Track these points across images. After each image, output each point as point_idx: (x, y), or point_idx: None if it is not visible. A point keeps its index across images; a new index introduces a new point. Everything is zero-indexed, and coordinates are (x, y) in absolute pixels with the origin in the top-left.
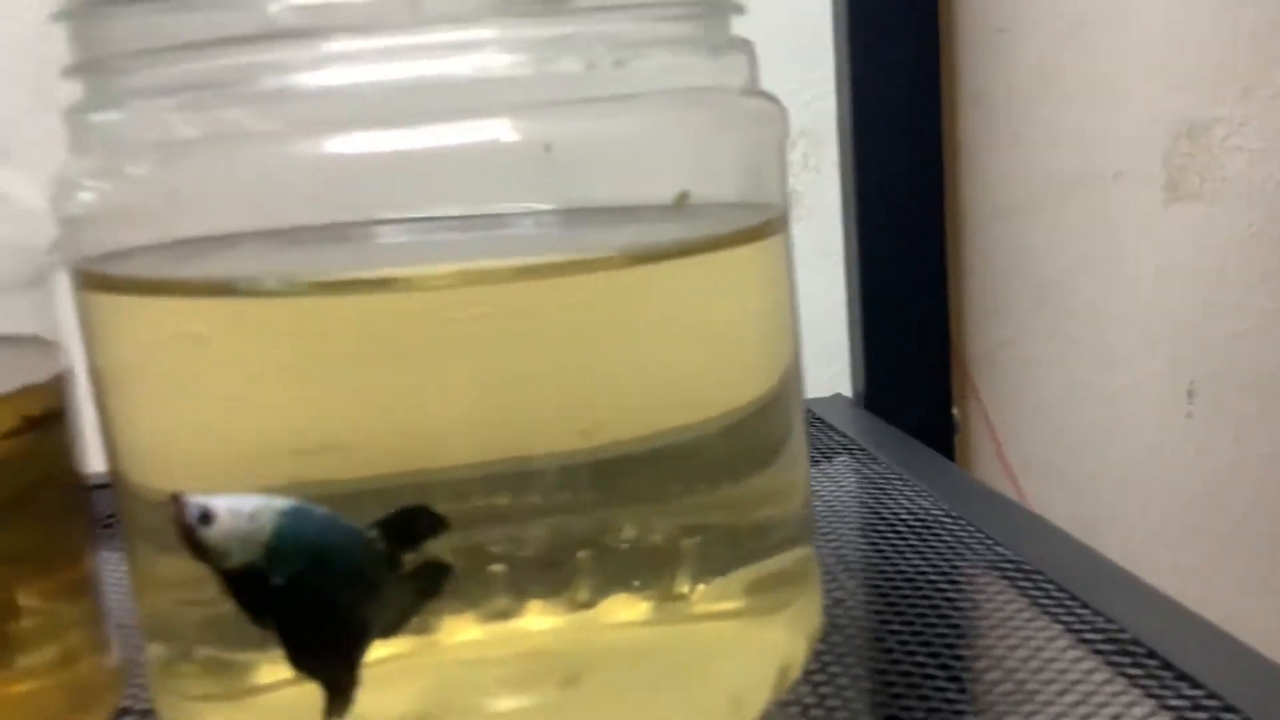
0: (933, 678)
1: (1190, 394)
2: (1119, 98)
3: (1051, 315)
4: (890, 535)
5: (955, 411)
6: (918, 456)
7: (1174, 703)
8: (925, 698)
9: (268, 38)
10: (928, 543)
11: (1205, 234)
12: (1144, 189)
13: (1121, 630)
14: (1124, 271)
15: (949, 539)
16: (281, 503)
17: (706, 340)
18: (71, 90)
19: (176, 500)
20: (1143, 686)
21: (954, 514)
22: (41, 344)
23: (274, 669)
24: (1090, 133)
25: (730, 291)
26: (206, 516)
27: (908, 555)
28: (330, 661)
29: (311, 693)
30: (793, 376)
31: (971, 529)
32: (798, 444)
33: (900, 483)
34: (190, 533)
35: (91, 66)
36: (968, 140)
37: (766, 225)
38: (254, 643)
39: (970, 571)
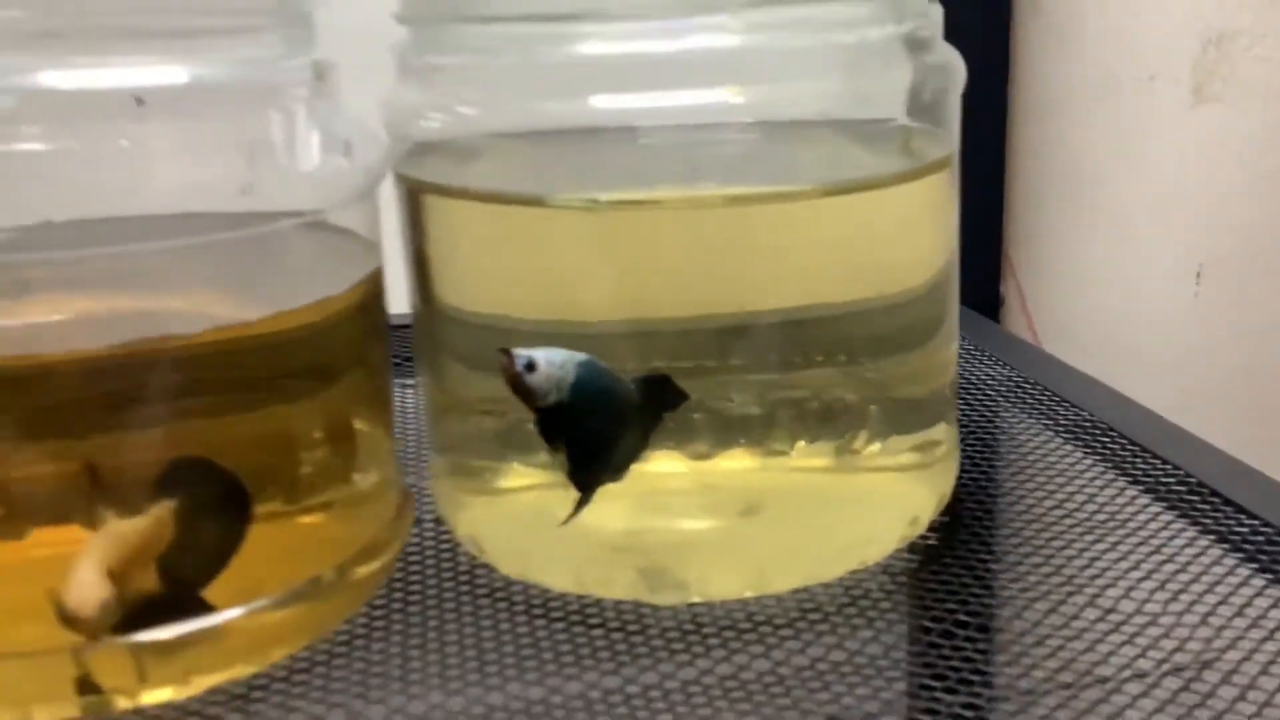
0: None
1: (1198, 276)
2: (1155, 7)
3: (1081, 204)
4: (968, 393)
5: (1001, 288)
6: (983, 326)
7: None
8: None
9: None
10: (998, 399)
11: (1225, 135)
12: (1172, 91)
13: (1179, 470)
14: (1149, 167)
15: (1015, 396)
16: (579, 355)
17: (889, 244)
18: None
19: (506, 353)
20: (1194, 518)
21: (1020, 372)
22: (364, 240)
23: (527, 476)
24: (1128, 39)
25: (912, 217)
26: (531, 365)
27: (987, 411)
28: (593, 476)
29: (546, 498)
30: (949, 279)
31: (1039, 387)
32: (951, 329)
33: (969, 348)
34: (518, 378)
35: (418, 19)
36: (1023, 42)
37: (946, 159)
38: (517, 453)
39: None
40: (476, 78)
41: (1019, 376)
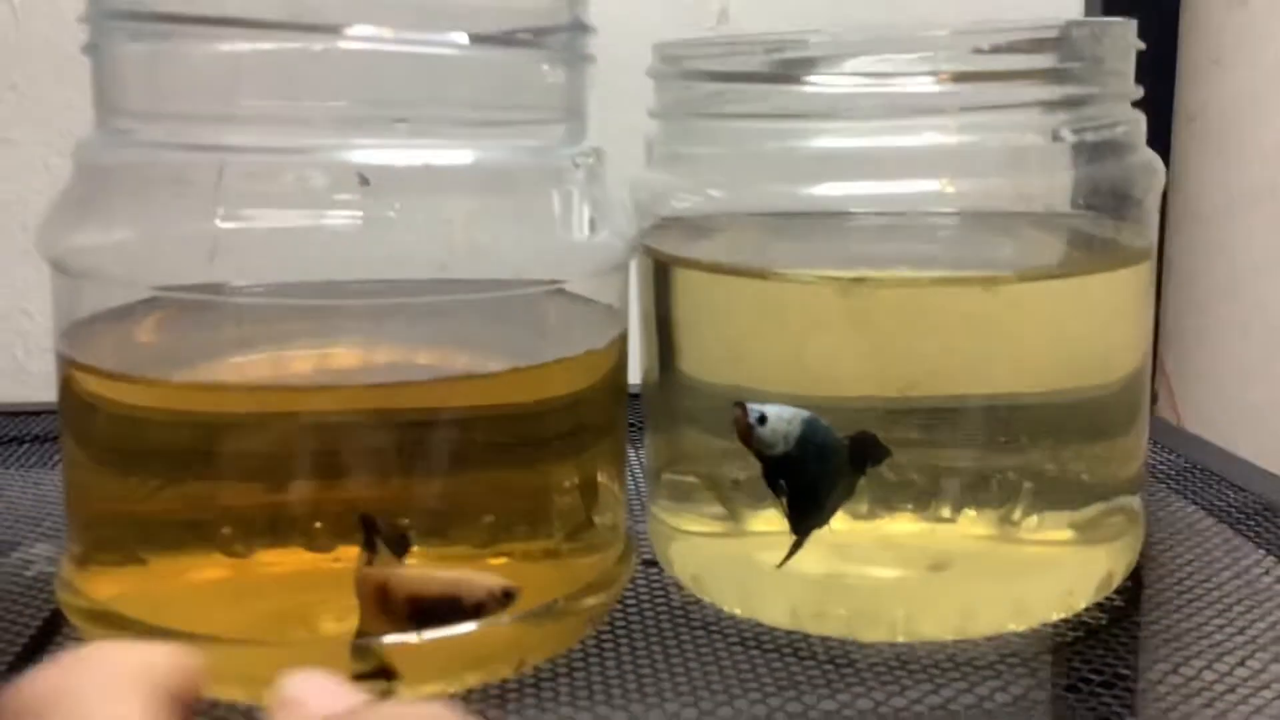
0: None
1: None
2: None
3: (1233, 309)
4: None
5: (1155, 385)
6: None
7: None
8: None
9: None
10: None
11: None
12: None
13: None
14: None
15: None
16: (804, 413)
17: (1089, 344)
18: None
19: (740, 406)
20: None
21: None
22: (612, 310)
23: (736, 524)
24: None
25: (1103, 304)
26: (763, 419)
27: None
28: (808, 522)
29: (747, 545)
30: (1144, 371)
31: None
32: (1143, 421)
33: None
34: (749, 430)
35: (672, 114)
36: (1181, 153)
37: (1147, 250)
38: (732, 502)
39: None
40: (720, 165)
41: (1181, 461)
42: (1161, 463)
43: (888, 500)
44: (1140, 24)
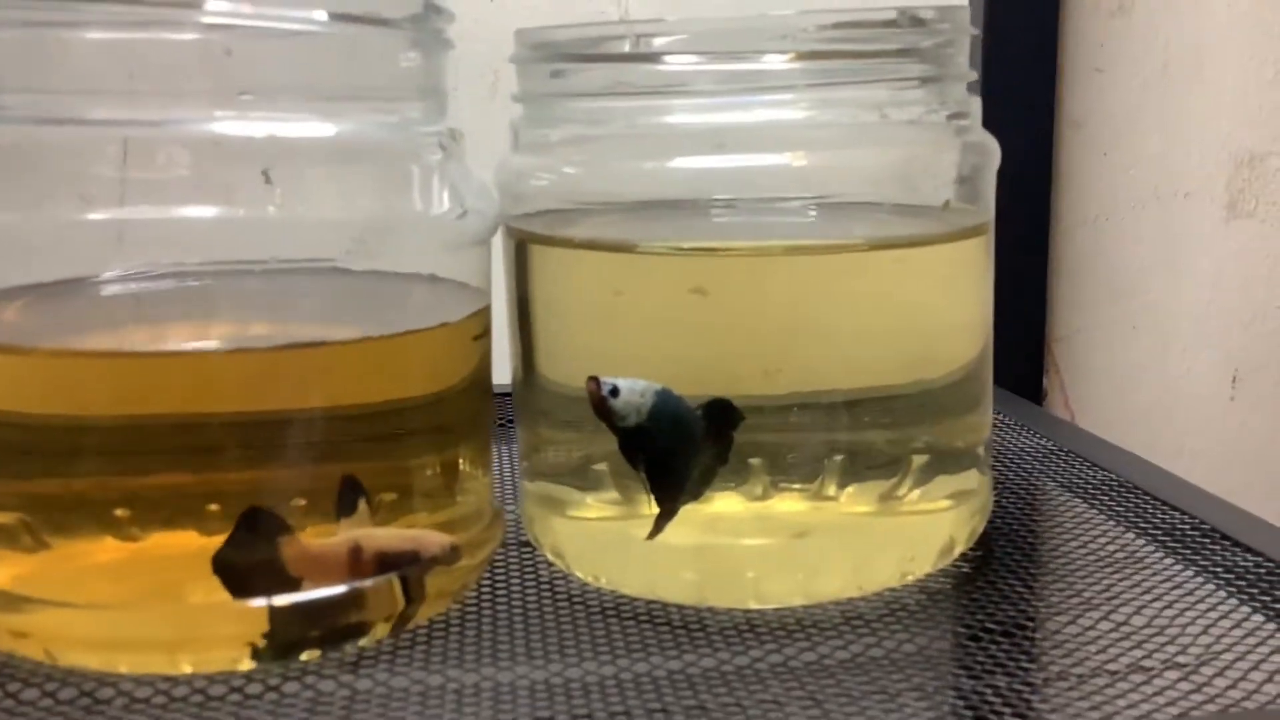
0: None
1: (1234, 380)
2: (1192, 130)
3: (1122, 309)
4: (1012, 461)
5: (1045, 382)
6: (1024, 407)
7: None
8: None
9: (644, 92)
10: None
11: (1258, 248)
12: (1208, 207)
13: (1193, 517)
14: (1186, 276)
15: (1058, 463)
16: (656, 385)
17: (933, 314)
18: (513, 108)
19: (594, 380)
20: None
21: (1059, 446)
22: (472, 289)
23: (600, 507)
24: (1166, 158)
25: (950, 276)
26: (615, 391)
27: (1024, 475)
28: (670, 494)
29: (618, 525)
30: (987, 348)
31: (1078, 458)
32: (987, 397)
33: (1010, 423)
34: (602, 402)
35: (533, 97)
36: (1066, 160)
37: (984, 226)
38: (593, 485)
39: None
40: (580, 145)
41: (1055, 447)
42: (1033, 447)
43: (776, 482)
44: (1022, 32)
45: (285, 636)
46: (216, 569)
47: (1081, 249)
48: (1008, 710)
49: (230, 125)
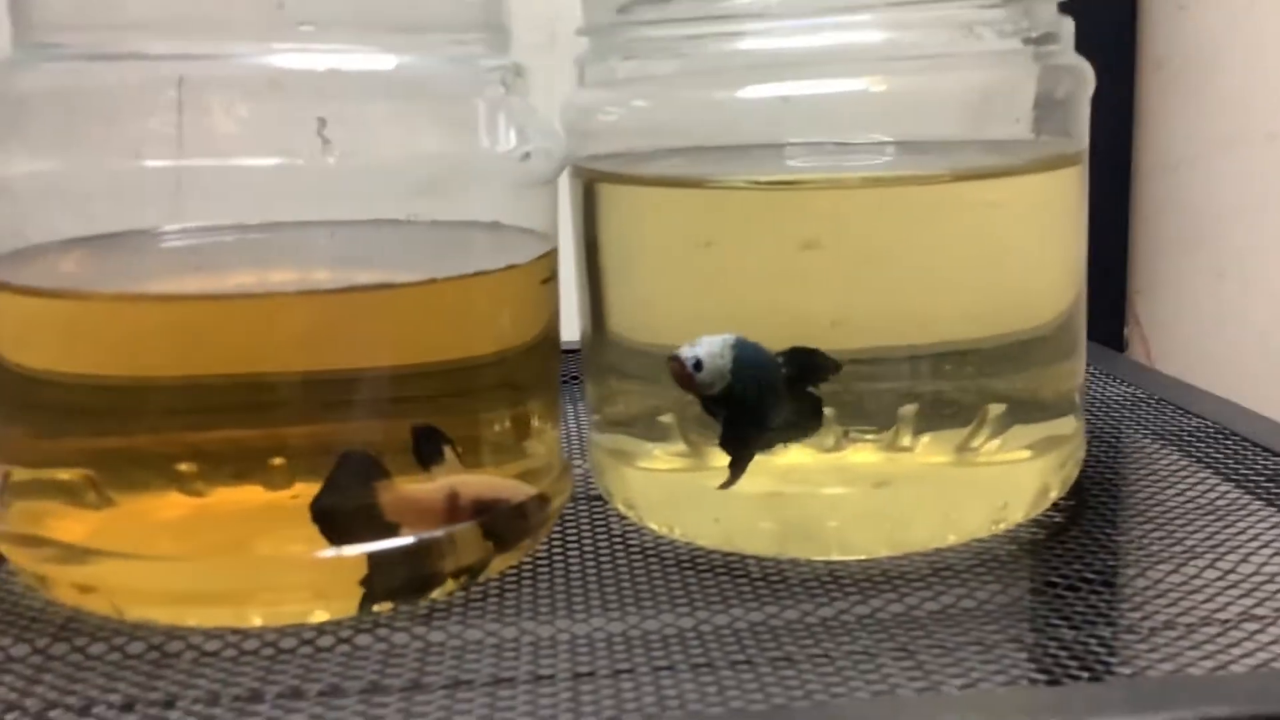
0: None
1: None
2: (1276, 69)
3: (1206, 256)
4: (1099, 411)
5: (1126, 332)
6: (1108, 355)
7: None
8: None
9: (713, 17)
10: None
11: None
12: None
13: None
14: (1270, 219)
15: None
16: (730, 337)
17: (1023, 251)
18: (578, 42)
19: (676, 359)
20: None
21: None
22: (538, 234)
23: (668, 459)
24: (1249, 98)
25: (1043, 211)
26: (699, 365)
27: (1112, 423)
28: (746, 447)
29: (690, 476)
30: (1081, 291)
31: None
32: (1083, 340)
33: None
34: (689, 379)
35: (598, 30)
36: (1147, 100)
37: (1077, 155)
38: (660, 436)
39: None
40: (648, 78)
41: (1144, 394)
42: (1119, 395)
43: (848, 432)
44: None
45: (385, 583)
46: (315, 516)
47: (1163, 194)
48: (1114, 660)
49: (288, 59)
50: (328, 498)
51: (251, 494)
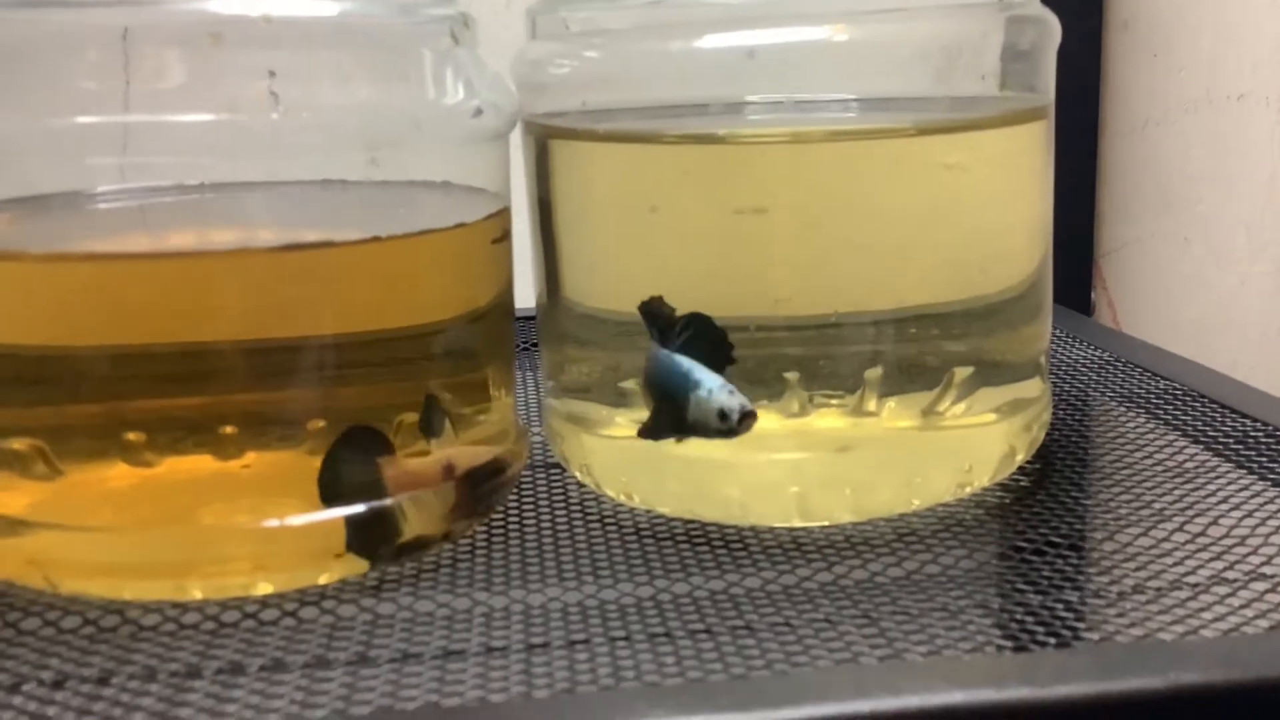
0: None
1: None
2: (1245, 30)
3: (1173, 219)
4: (1065, 374)
5: (1093, 295)
6: (1075, 318)
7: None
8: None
9: None
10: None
11: None
12: (1261, 110)
13: (1265, 424)
14: (1239, 184)
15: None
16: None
17: (988, 207)
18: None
19: (751, 415)
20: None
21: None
22: (489, 194)
23: (629, 426)
24: (1217, 59)
25: (1009, 165)
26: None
27: (1078, 386)
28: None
29: (649, 443)
30: (1048, 250)
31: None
32: (1049, 301)
33: (1062, 337)
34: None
35: None
36: (1113, 61)
37: (1043, 109)
38: (623, 403)
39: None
40: (602, 31)
41: (1110, 357)
42: (1086, 358)
43: (813, 397)
44: None
45: (362, 550)
46: (321, 490)
47: (1130, 156)
48: (1081, 625)
49: (228, 4)
50: (331, 470)
51: (201, 463)
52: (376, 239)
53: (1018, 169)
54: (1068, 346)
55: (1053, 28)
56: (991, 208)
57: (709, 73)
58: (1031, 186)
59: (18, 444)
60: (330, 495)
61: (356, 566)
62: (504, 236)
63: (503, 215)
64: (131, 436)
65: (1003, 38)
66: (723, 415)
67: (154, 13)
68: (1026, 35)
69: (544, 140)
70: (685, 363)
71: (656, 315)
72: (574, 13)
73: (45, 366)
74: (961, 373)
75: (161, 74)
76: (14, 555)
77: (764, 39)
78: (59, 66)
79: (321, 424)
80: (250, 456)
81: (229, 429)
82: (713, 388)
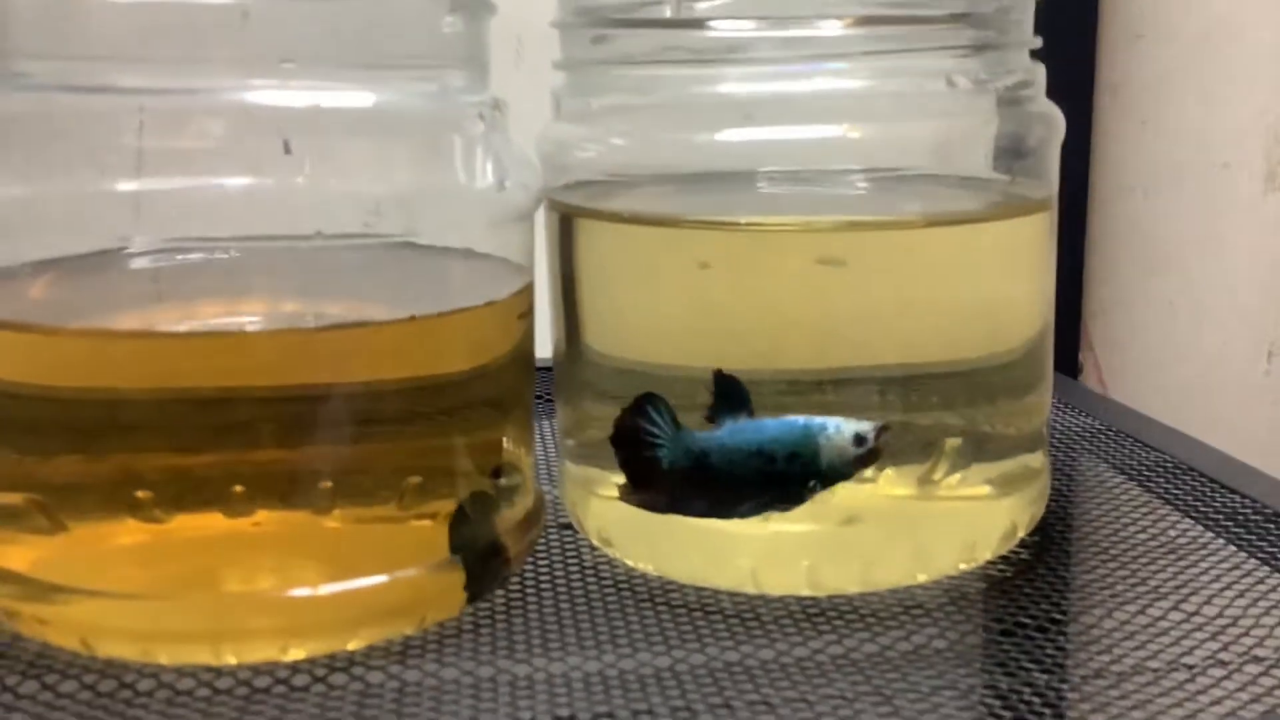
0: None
1: (1270, 355)
2: (1231, 100)
3: (1159, 284)
4: (1058, 441)
5: (1080, 356)
6: (1065, 382)
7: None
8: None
9: (690, 60)
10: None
11: None
12: (1246, 179)
13: (1255, 501)
14: (1223, 249)
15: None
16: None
17: (991, 292)
18: (554, 76)
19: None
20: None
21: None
22: (513, 265)
23: None
24: (1204, 128)
25: (1013, 254)
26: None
27: (1069, 454)
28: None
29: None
30: (1048, 326)
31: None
32: (1048, 376)
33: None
34: None
35: (575, 64)
36: (1103, 127)
37: (1047, 200)
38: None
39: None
40: (624, 114)
41: (1101, 425)
42: (1076, 426)
43: None
44: None
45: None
46: (461, 557)
47: (1118, 221)
48: (1087, 707)
49: (266, 95)
50: (464, 538)
51: (212, 521)
52: (413, 318)
53: (1020, 257)
54: (1057, 412)
55: (1058, 123)
56: (993, 291)
57: (727, 158)
58: (1032, 272)
59: (17, 498)
60: (469, 560)
61: (386, 631)
62: (528, 311)
63: (527, 290)
64: (140, 494)
65: (1010, 131)
66: (859, 439)
67: (189, 100)
68: (1034, 131)
69: (568, 218)
70: (784, 420)
71: (729, 388)
72: (597, 98)
73: (54, 418)
74: (953, 443)
75: (190, 144)
76: (44, 618)
77: (780, 134)
78: (88, 139)
79: (330, 484)
80: (261, 515)
81: (239, 488)
82: (833, 423)
